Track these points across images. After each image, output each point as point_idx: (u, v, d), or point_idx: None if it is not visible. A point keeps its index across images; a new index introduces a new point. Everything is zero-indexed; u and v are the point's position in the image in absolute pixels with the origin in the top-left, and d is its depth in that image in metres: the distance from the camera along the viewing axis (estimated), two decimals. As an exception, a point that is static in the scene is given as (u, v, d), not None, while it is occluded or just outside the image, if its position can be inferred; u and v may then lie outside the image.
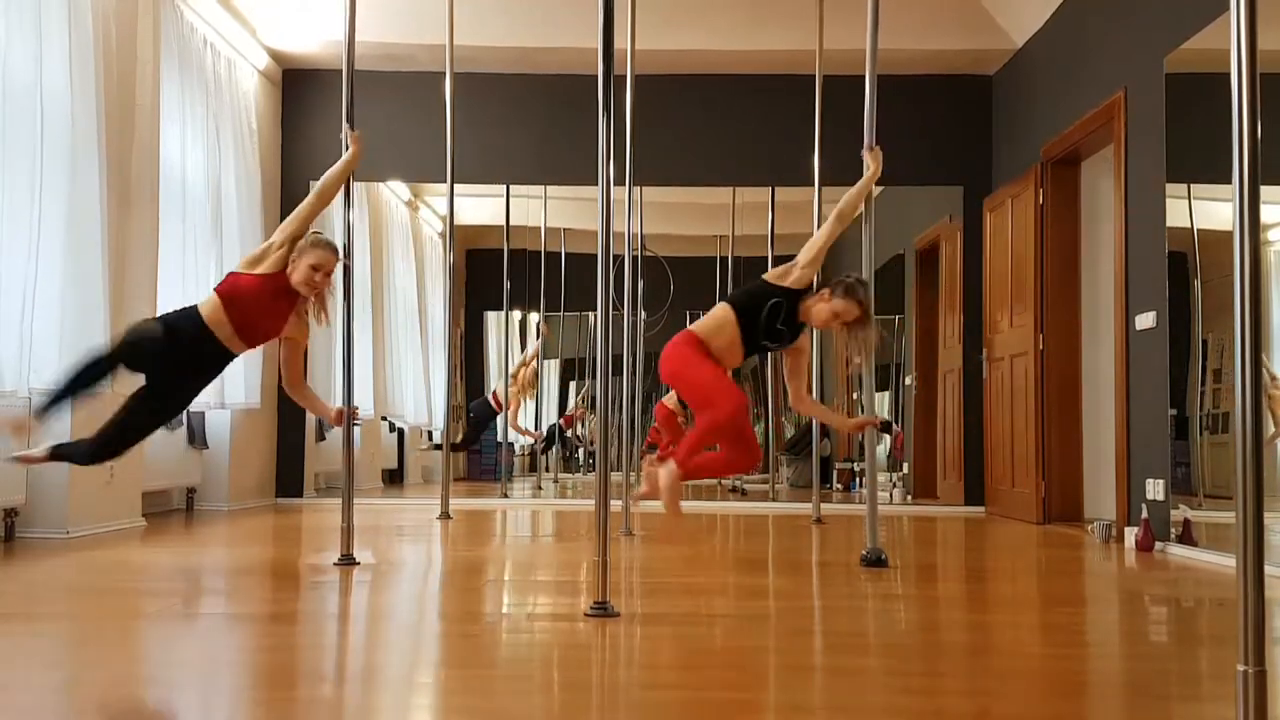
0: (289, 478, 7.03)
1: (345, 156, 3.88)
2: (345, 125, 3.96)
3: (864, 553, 4.00)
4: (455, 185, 6.12)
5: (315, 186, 3.85)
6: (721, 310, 4.00)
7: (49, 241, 4.42)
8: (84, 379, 3.43)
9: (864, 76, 4.18)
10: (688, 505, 7.11)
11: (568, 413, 9.37)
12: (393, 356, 8.20)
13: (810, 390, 4.22)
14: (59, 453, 3.59)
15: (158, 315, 3.78)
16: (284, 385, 3.90)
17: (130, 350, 3.51)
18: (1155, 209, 4.83)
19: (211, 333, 3.58)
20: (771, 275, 4.05)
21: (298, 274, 3.63)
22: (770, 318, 3.93)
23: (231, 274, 3.69)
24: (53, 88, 4.45)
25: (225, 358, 3.67)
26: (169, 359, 3.55)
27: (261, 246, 3.73)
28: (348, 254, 3.94)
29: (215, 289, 3.64)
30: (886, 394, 8.35)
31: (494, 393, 8.73)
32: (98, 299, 4.60)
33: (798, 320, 4.00)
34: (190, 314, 3.60)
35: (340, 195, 3.98)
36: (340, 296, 3.93)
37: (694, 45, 6.81)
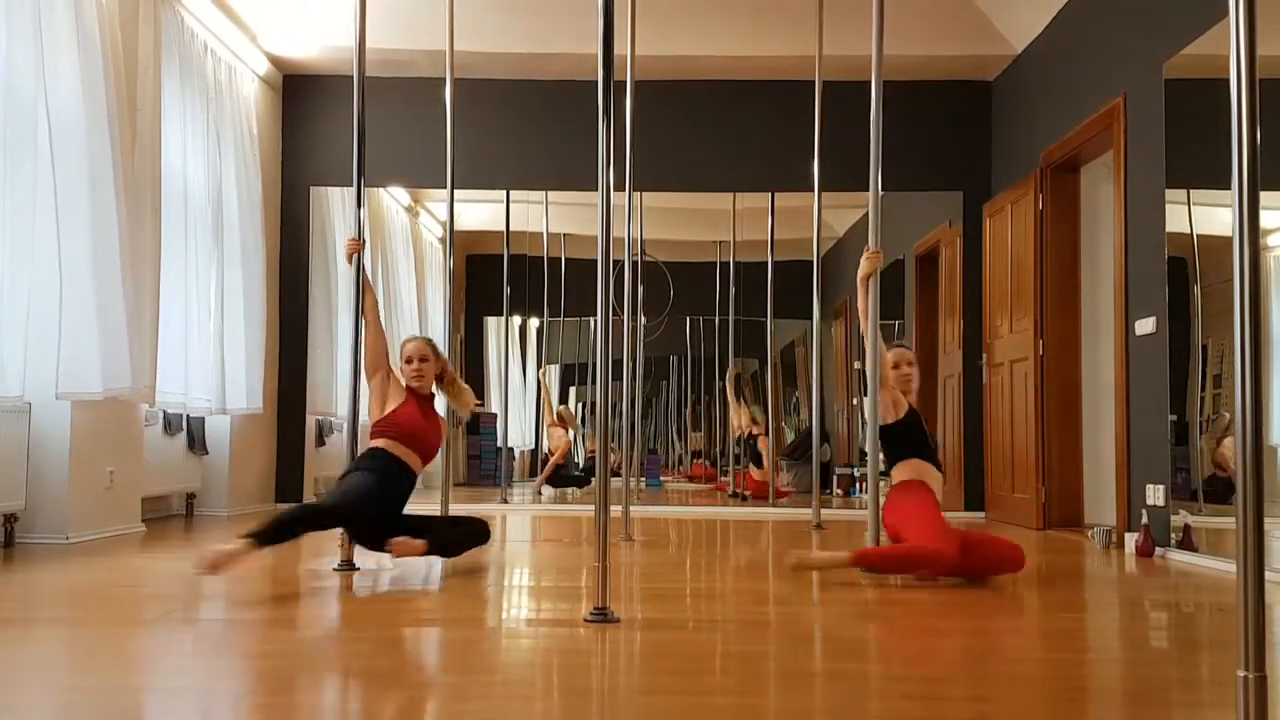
0: (289, 482, 7.02)
1: (362, 280, 4.06)
2: (350, 237, 4.09)
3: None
4: (455, 191, 6.13)
5: (365, 315, 4.06)
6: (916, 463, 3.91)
7: (66, 250, 4.45)
8: (299, 527, 3.55)
9: (863, 82, 4.18)
10: (686, 510, 7.10)
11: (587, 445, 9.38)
12: (396, 361, 8.21)
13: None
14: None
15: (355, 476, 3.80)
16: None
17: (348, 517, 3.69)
18: (1155, 214, 4.83)
19: (406, 465, 3.84)
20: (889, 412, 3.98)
21: (407, 378, 3.99)
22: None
23: (379, 422, 3.90)
24: (61, 96, 4.46)
25: (412, 480, 3.92)
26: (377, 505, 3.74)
27: (381, 398, 4.01)
28: (356, 256, 4.10)
29: (384, 436, 3.84)
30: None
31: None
32: (119, 307, 4.63)
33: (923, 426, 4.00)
34: (379, 456, 3.80)
35: (350, 196, 4.17)
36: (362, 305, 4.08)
37: (694, 51, 6.81)
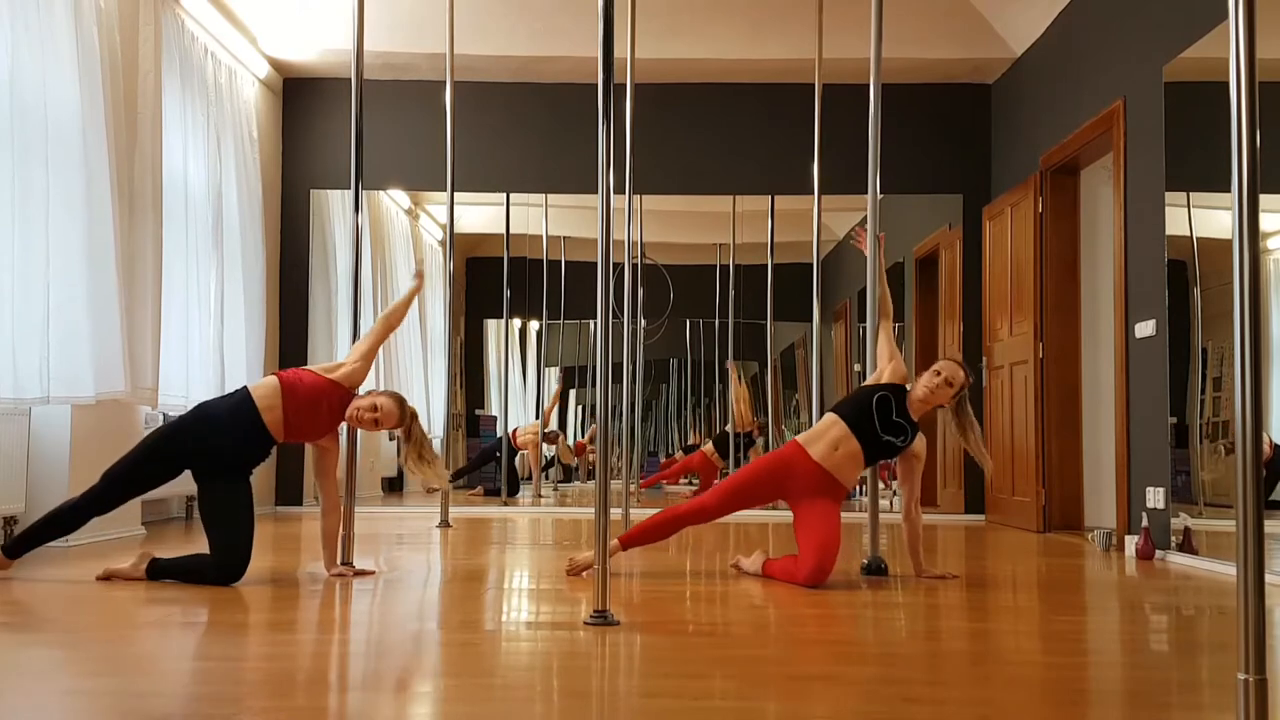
0: (288, 486, 7.02)
1: (410, 290, 4.07)
2: (414, 260, 4.07)
3: (864, 561, 4.00)
4: (455, 193, 6.14)
5: (383, 314, 3.96)
6: (829, 420, 3.79)
7: (66, 254, 4.44)
8: (63, 523, 3.58)
9: (862, 85, 4.19)
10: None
11: (581, 439, 9.34)
12: (397, 364, 8.21)
13: (917, 508, 3.89)
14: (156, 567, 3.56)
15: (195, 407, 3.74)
16: (315, 476, 3.79)
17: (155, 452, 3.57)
18: (1155, 217, 4.84)
19: (259, 414, 3.55)
20: (870, 380, 3.96)
21: (353, 406, 3.65)
22: (882, 412, 3.75)
23: (303, 369, 3.73)
24: (60, 99, 4.46)
25: (262, 442, 3.61)
26: (208, 443, 3.55)
27: (339, 361, 3.80)
28: (356, 259, 4.11)
29: (278, 374, 3.65)
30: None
31: (513, 432, 8.71)
32: (113, 310, 4.63)
33: (909, 415, 3.82)
34: (241, 394, 3.63)
35: (349, 200, 4.12)
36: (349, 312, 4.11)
37: (694, 54, 6.82)
